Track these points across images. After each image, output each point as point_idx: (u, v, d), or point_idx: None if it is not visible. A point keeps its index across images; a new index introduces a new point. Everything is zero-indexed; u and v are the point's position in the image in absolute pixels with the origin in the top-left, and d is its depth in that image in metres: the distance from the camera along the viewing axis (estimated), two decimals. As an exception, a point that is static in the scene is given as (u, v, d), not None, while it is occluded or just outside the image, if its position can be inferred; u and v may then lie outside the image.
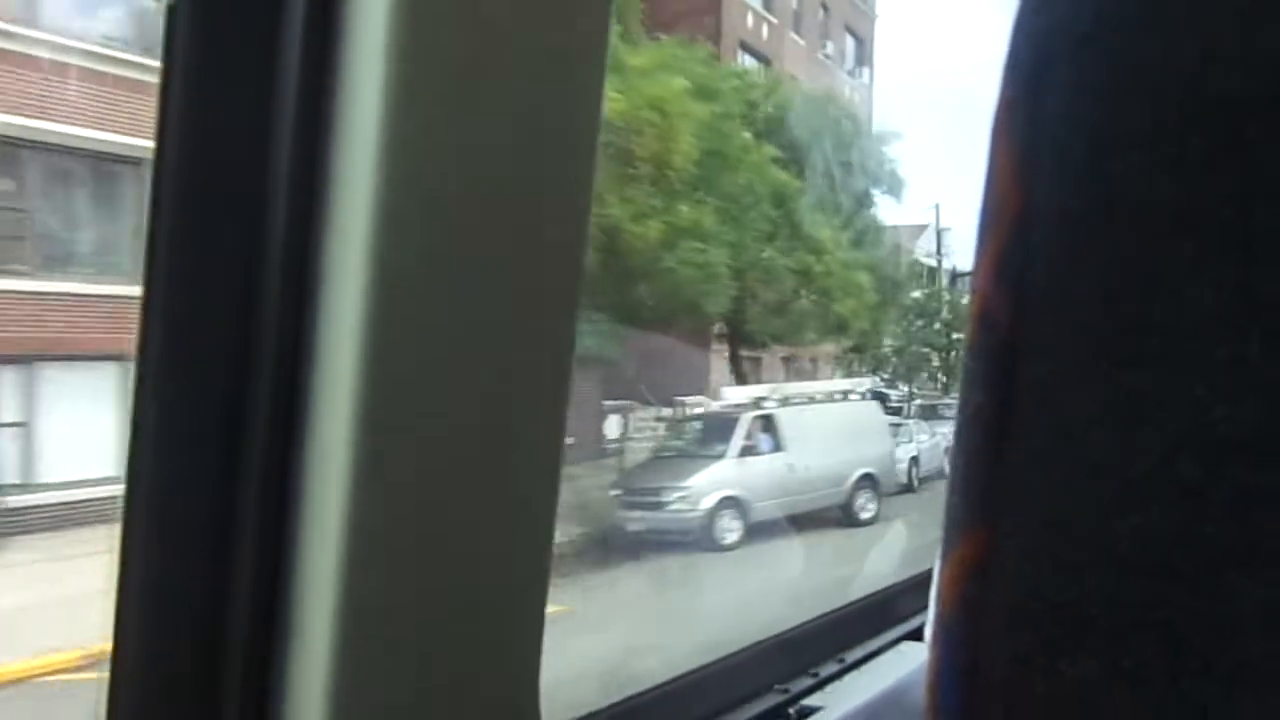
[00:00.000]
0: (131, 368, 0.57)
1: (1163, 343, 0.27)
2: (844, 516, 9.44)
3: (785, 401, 9.61)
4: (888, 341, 17.09)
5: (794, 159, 12.43)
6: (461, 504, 0.62)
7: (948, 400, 15.99)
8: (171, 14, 0.55)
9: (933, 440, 12.26)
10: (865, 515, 9.66)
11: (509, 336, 0.63)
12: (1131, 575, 0.27)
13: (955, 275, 21.26)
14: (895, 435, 12.07)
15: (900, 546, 8.51)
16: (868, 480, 9.89)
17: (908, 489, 11.04)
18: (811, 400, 10.02)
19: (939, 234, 21.57)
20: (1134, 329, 0.27)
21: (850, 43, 19.95)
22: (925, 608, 1.20)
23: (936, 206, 22.73)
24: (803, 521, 8.48)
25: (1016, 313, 0.30)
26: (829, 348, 14.87)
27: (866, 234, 13.83)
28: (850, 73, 19.59)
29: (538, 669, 0.69)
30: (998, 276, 0.31)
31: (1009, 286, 0.30)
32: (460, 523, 0.63)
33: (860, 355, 15.32)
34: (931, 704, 0.33)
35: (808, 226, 12.07)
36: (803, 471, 8.84)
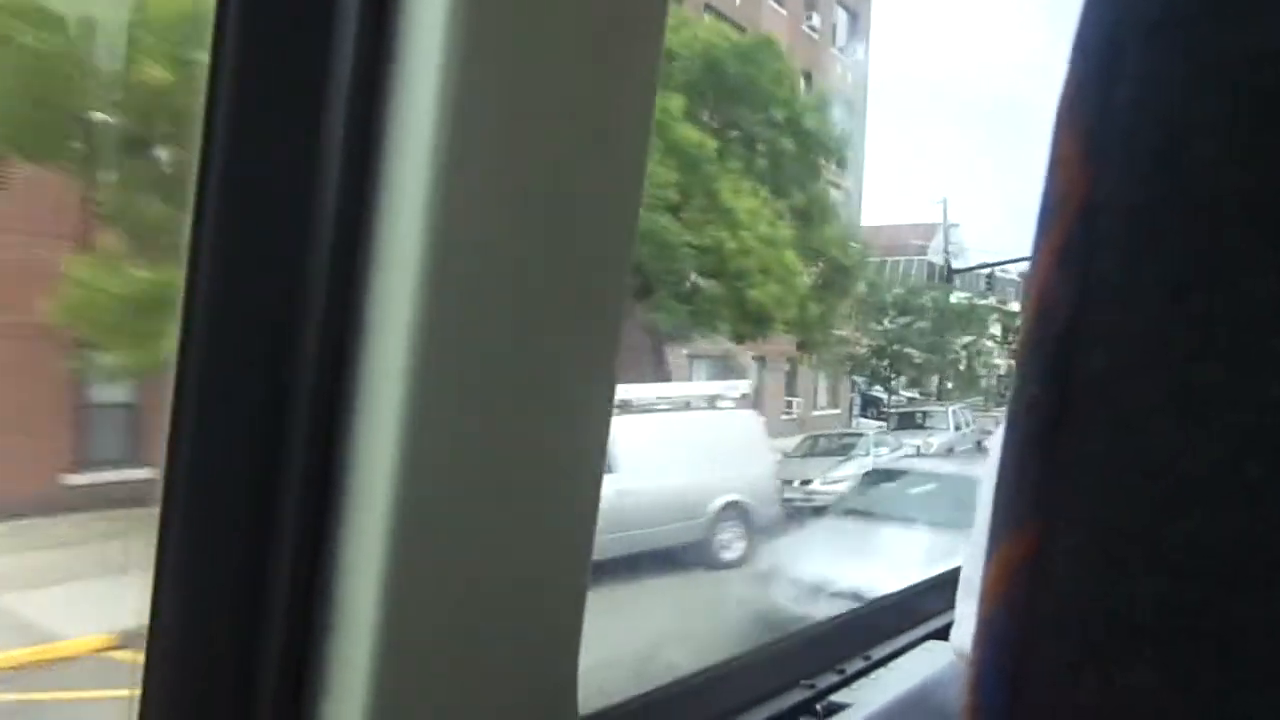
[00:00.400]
0: (172, 361, 0.57)
1: (1231, 337, 0.26)
2: (697, 557, 7.40)
3: (624, 408, 6.93)
4: (866, 341, 15.93)
5: (722, 117, 10.52)
6: (503, 499, 0.62)
7: (935, 408, 15.23)
8: (222, 10, 0.55)
9: (895, 456, 11.02)
10: (727, 556, 7.74)
11: (556, 335, 0.63)
12: (1187, 580, 0.26)
13: (951, 271, 20.46)
14: (849, 450, 10.89)
15: (746, 609, 6.50)
16: (734, 510, 7.89)
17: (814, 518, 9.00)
18: (658, 408, 7.70)
19: (946, 230, 20.88)
20: (1202, 322, 0.27)
21: (842, 16, 18.01)
22: (951, 607, 1.20)
23: (944, 201, 21.89)
24: (630, 565, 6.43)
25: (1079, 303, 0.29)
26: (783, 345, 12.76)
27: (812, 210, 11.60)
28: (841, 49, 17.79)
29: (575, 663, 0.69)
30: (1059, 265, 0.30)
31: (1072, 275, 0.30)
32: (501, 518, 0.63)
33: (810, 354, 13.06)
34: (972, 704, 0.32)
35: (727, 196, 10.03)
36: (639, 498, 6.54)
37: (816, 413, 15.58)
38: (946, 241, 21.51)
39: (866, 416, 16.52)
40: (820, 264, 11.58)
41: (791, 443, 12.03)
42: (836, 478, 10.14)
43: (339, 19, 0.55)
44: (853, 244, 12.79)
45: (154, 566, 0.58)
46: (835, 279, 12.10)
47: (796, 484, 10.10)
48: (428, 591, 0.59)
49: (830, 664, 1.38)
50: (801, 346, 12.52)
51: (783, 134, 10.91)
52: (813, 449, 11.77)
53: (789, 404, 14.84)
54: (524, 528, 0.64)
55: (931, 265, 23.99)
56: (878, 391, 18.48)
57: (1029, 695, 0.30)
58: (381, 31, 0.55)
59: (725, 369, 12.56)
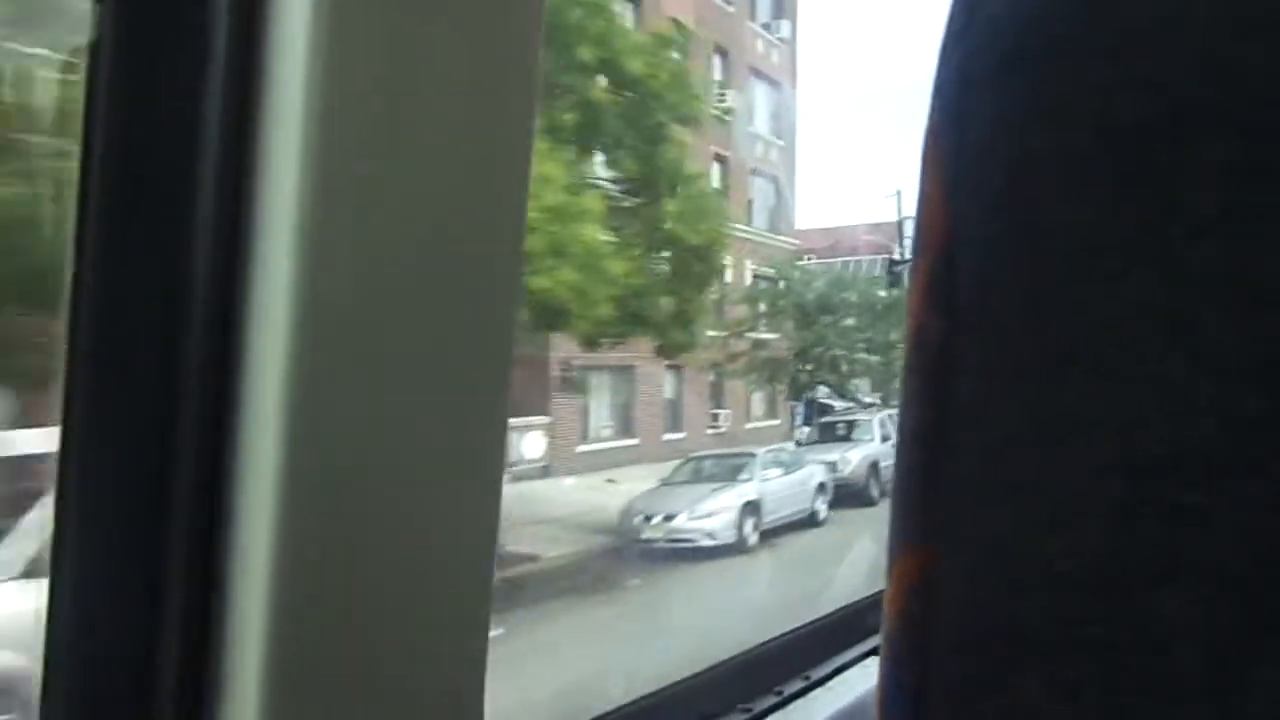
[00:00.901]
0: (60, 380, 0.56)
1: (1087, 363, 0.27)
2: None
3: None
4: (785, 345, 13.57)
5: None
6: (398, 522, 0.61)
7: (864, 417, 12.14)
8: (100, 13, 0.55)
9: (791, 481, 8.94)
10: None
11: (446, 344, 0.63)
12: (1068, 593, 0.27)
13: (894, 264, 19.91)
14: (739, 473, 8.52)
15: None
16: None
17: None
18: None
19: (900, 224, 20.67)
20: (1058, 350, 0.28)
21: (765, -12, 15.21)
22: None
23: (898, 194, 21.34)
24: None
25: (947, 333, 0.31)
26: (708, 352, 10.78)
27: (656, 179, 8.98)
28: (766, 26, 15.27)
29: (481, 691, 0.67)
30: (929, 299, 0.31)
31: (939, 308, 0.31)
32: (398, 541, 0.61)
33: (676, 357, 10.36)
34: None
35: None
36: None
37: (751, 425, 13.52)
38: (901, 236, 21.21)
39: (811, 426, 15.53)
40: (671, 249, 9.14)
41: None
42: (706, 511, 7.96)
43: (209, 21, 0.55)
44: (722, 226, 10.11)
45: (49, 575, 0.57)
46: (690, 266, 9.40)
47: (657, 520, 7.77)
48: (317, 604, 0.58)
49: (768, 686, 1.37)
50: (662, 351, 9.72)
51: (594, 79, 8.42)
52: (697, 474, 9.19)
53: (714, 417, 12.93)
54: (422, 553, 0.63)
55: (893, 263, 24.12)
56: (827, 398, 17.94)
57: (931, 711, 0.31)
58: (252, 29, 0.55)
59: (628, 381, 10.87)
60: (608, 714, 1.17)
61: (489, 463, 0.66)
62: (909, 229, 20.26)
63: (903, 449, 0.32)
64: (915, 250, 0.33)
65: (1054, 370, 0.28)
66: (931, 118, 0.32)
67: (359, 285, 0.58)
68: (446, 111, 0.61)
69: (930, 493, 0.31)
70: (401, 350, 0.60)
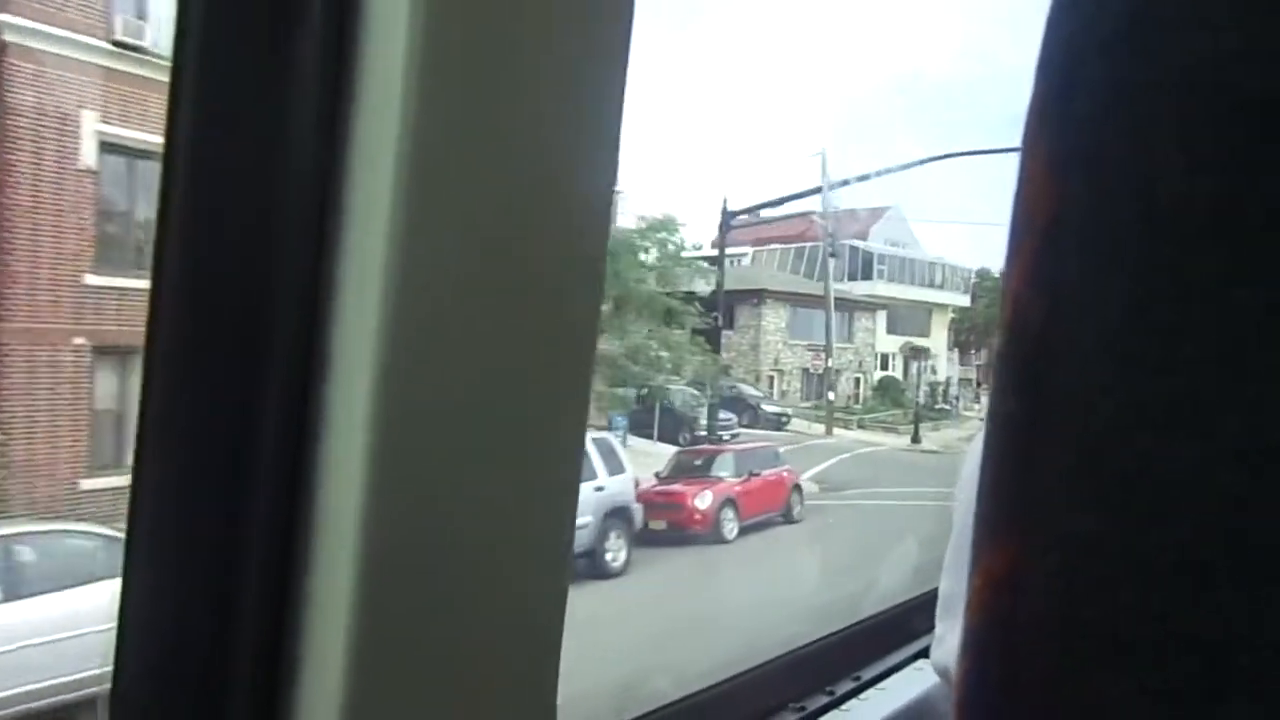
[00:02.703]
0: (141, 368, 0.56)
1: (1198, 349, 0.26)
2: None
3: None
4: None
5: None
6: (479, 515, 0.61)
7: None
8: (183, 11, 0.55)
9: None
10: None
11: (531, 337, 0.63)
12: (1167, 590, 0.26)
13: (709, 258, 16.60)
14: None
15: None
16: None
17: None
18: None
19: (826, 189, 17.58)
20: (1169, 335, 0.27)
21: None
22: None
23: (822, 154, 19.08)
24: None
25: (1050, 318, 0.30)
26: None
27: None
28: None
29: (555, 683, 0.68)
30: (1030, 280, 0.30)
31: (1042, 291, 0.30)
32: (478, 534, 0.62)
33: None
34: (961, 716, 0.32)
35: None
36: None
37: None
38: (826, 204, 18.32)
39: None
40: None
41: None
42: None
43: (303, 25, 0.55)
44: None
45: (123, 566, 0.57)
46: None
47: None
48: (402, 610, 0.58)
49: (819, 686, 1.37)
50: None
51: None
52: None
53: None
54: (500, 546, 0.63)
55: (854, 250, 21.87)
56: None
57: (1015, 706, 0.30)
58: (345, 35, 0.55)
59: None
60: (661, 709, 1.17)
61: (567, 458, 0.66)
62: (835, 198, 17.94)
63: (993, 439, 0.32)
64: (1013, 230, 0.31)
65: (1163, 356, 0.27)
66: (1036, 94, 0.31)
67: (447, 288, 0.57)
68: (537, 111, 0.61)
69: (1022, 486, 0.30)
70: (487, 357, 0.60)
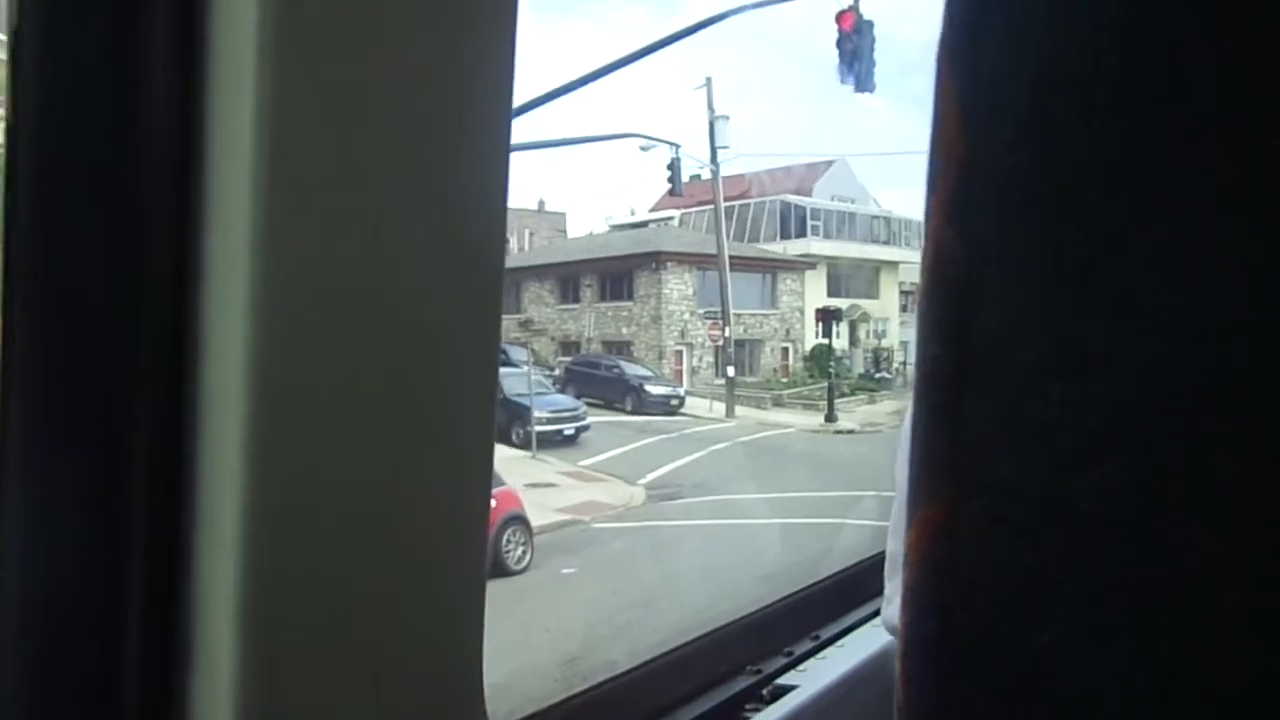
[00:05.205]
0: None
1: (1114, 289, 0.26)
2: None
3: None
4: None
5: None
6: (379, 496, 0.59)
7: None
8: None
9: None
10: None
11: (418, 339, 0.60)
12: (1093, 536, 0.26)
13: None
14: None
15: None
16: None
17: None
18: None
19: (712, 125, 15.59)
20: (1083, 276, 0.26)
21: None
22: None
23: (708, 82, 16.16)
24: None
25: (970, 260, 0.29)
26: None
27: None
28: None
29: (479, 668, 0.66)
30: (949, 221, 0.30)
31: (961, 230, 0.30)
32: (380, 513, 0.59)
33: None
34: (904, 670, 0.32)
35: None
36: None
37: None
38: (713, 142, 15.89)
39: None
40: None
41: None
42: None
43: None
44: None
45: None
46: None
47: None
48: (291, 591, 0.55)
49: (778, 647, 1.37)
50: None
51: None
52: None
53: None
54: (401, 520, 0.61)
55: (786, 206, 19.83)
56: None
57: (954, 658, 0.30)
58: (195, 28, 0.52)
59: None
60: (618, 675, 1.17)
61: (476, 425, 0.64)
62: (722, 131, 15.84)
63: (922, 387, 0.31)
64: (930, 172, 0.31)
65: (1078, 298, 0.27)
66: (943, 29, 0.30)
67: (318, 265, 0.54)
68: (417, 106, 0.58)
69: (951, 433, 0.30)
70: (374, 341, 0.57)
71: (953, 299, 0.30)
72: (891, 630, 1.02)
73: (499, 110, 0.62)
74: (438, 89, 0.59)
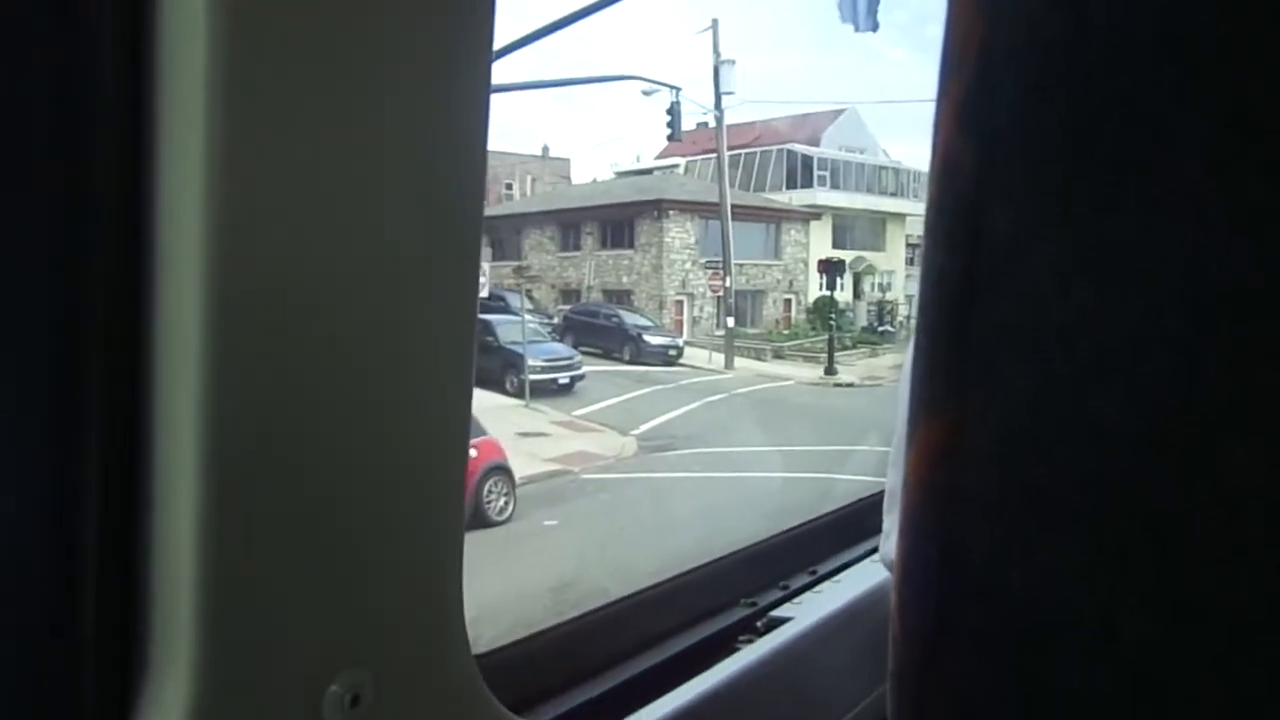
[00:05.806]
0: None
1: (1144, 182, 0.23)
2: None
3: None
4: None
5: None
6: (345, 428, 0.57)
7: None
8: None
9: None
10: None
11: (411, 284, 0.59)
12: (1114, 450, 0.24)
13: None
14: None
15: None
16: None
17: None
18: None
19: (717, 69, 15.42)
20: (1110, 168, 0.24)
21: None
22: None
23: (714, 24, 16.27)
24: None
25: (981, 161, 0.27)
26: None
27: None
28: None
29: (460, 598, 0.65)
30: (961, 124, 0.28)
31: (973, 133, 0.28)
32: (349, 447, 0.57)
33: None
34: (900, 599, 0.31)
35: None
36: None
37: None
38: (718, 87, 15.70)
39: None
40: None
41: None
42: None
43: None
44: None
45: None
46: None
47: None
48: (259, 524, 0.53)
49: (774, 581, 1.36)
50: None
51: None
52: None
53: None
54: (381, 467, 0.59)
55: (793, 156, 19.32)
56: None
57: (955, 582, 0.28)
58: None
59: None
60: (612, 603, 1.16)
61: (455, 371, 0.62)
62: (728, 76, 15.79)
63: (927, 300, 0.30)
64: (942, 69, 0.29)
65: (1104, 192, 0.24)
66: None
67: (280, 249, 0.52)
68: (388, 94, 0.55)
69: (960, 347, 0.28)
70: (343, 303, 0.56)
71: (963, 208, 0.28)
72: (889, 565, 1.00)
73: (478, 54, 0.60)
74: (413, 84, 0.57)
